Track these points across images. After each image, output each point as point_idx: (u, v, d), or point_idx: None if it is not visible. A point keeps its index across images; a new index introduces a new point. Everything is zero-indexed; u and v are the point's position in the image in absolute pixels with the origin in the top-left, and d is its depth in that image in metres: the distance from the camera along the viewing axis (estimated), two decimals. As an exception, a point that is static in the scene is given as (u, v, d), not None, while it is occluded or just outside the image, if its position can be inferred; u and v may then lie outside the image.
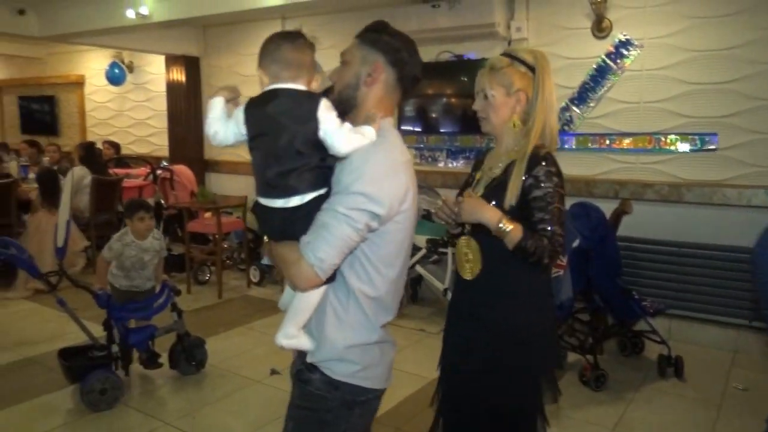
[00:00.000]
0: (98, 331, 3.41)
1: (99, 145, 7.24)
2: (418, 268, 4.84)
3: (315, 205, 1.44)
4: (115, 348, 3.33)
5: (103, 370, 3.24)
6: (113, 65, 7.76)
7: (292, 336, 1.52)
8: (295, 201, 1.43)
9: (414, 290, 5.25)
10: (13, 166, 6.87)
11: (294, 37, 1.50)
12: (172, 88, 7.18)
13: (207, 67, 7.08)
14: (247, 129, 1.47)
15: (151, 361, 3.54)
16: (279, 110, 1.42)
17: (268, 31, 1.62)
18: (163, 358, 3.64)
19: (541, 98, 1.84)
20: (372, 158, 1.44)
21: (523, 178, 1.78)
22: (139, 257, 3.51)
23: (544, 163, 1.78)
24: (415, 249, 4.86)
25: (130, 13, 5.21)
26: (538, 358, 1.88)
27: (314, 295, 1.50)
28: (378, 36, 1.56)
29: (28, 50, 8.92)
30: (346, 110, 1.54)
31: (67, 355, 3.33)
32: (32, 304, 5.07)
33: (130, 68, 7.87)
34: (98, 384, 3.19)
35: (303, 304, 1.51)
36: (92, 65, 8.47)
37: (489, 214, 1.76)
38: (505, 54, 1.91)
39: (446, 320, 2.03)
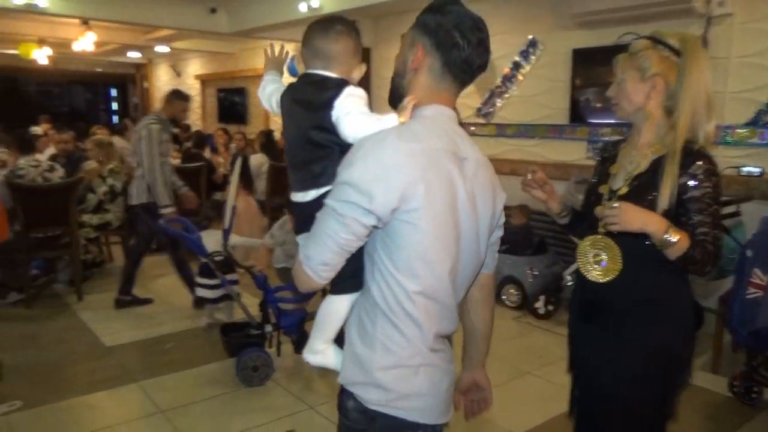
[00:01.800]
0: (256, 311, 3.59)
1: (277, 134, 7.73)
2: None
3: None
4: (268, 328, 3.47)
5: (257, 348, 3.40)
6: (293, 58, 8.21)
7: (317, 351, 1.37)
8: (312, 194, 1.32)
9: (578, 296, 4.83)
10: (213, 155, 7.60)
11: (327, 25, 1.39)
12: (346, 79, 7.42)
13: (378, 58, 7.18)
14: (281, 114, 1.42)
15: (300, 344, 3.64)
16: (298, 97, 1.34)
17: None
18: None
19: (686, 86, 1.59)
20: (371, 145, 1.23)
21: (678, 176, 1.59)
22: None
23: (702, 161, 1.58)
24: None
25: (303, 7, 5.44)
26: (675, 374, 1.72)
27: (342, 306, 1.32)
28: (430, 16, 1.34)
29: (224, 47, 9.84)
30: (398, 100, 1.39)
31: (227, 330, 3.54)
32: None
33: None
34: (251, 361, 3.35)
35: (330, 315, 1.34)
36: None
37: (655, 225, 1.55)
38: (649, 36, 1.68)
39: (571, 323, 1.93)
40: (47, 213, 4.61)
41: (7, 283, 4.75)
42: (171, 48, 10.09)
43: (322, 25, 1.39)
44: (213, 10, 6.43)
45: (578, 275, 1.80)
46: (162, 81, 13.27)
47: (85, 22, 7.34)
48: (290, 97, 1.38)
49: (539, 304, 4.63)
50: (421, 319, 1.28)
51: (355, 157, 1.23)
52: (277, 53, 1.61)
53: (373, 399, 1.30)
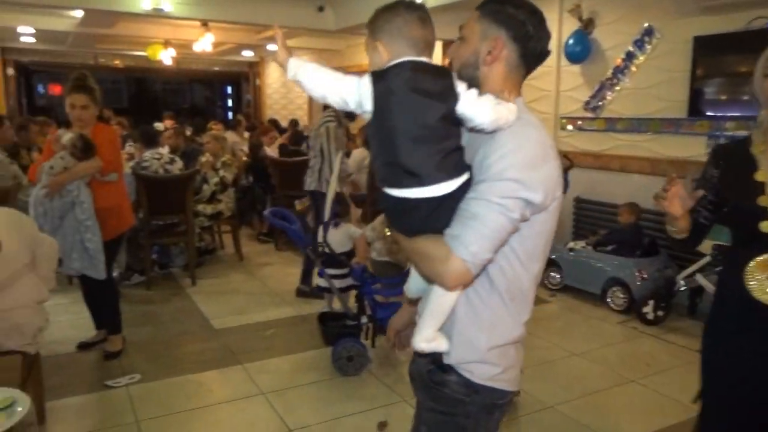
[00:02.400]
0: (353, 302, 3.66)
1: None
2: (700, 278, 4.12)
3: (461, 193, 1.27)
4: (364, 319, 3.53)
5: (352, 339, 3.47)
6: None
7: (431, 339, 1.39)
8: (443, 188, 1.26)
9: (693, 303, 4.49)
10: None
11: (421, 10, 1.35)
12: (447, 73, 7.36)
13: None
14: (374, 106, 1.28)
15: (396, 337, 3.67)
16: (415, 87, 1.24)
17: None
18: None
19: None
20: (523, 141, 1.29)
21: None
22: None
23: None
24: (699, 255, 4.16)
25: (408, 1, 5.45)
26: None
27: (455, 294, 1.34)
28: (500, 7, 1.36)
29: (331, 44, 10.11)
30: None
31: (325, 319, 3.64)
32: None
33: None
34: (346, 351, 3.42)
35: (444, 304, 1.36)
36: (381, 54, 9.20)
37: None
38: None
39: (711, 343, 1.77)
40: (167, 202, 4.98)
41: (131, 266, 5.18)
42: (281, 46, 10.50)
43: (416, 11, 1.34)
44: (321, 9, 6.62)
45: (727, 289, 1.69)
46: (272, 78, 13.87)
47: (205, 24, 7.82)
48: (408, 86, 1.25)
49: (648, 309, 4.36)
50: (530, 298, 1.43)
51: (513, 155, 1.26)
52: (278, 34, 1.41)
53: (481, 374, 1.40)
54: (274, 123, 9.74)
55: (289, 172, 6.25)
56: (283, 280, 5.34)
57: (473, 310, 1.38)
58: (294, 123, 10.15)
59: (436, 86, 1.25)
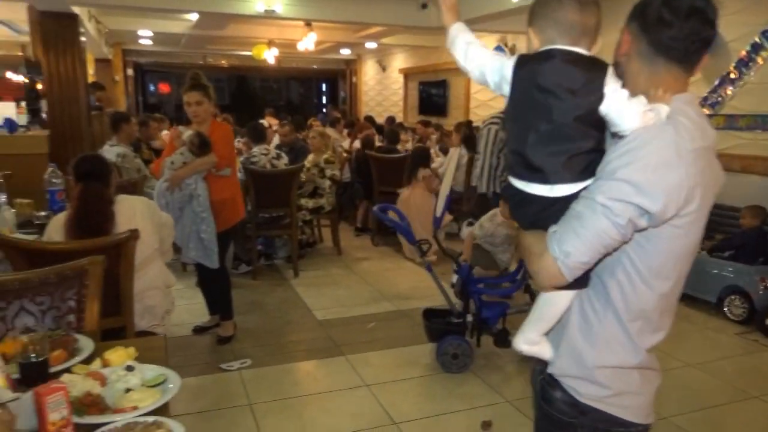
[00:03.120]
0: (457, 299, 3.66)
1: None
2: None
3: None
4: (469, 318, 3.52)
5: (458, 336, 3.46)
6: (497, 48, 8.17)
7: (533, 342, 1.34)
8: (560, 190, 1.19)
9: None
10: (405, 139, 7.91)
11: None
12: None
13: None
14: (512, 92, 1.23)
15: (500, 338, 3.63)
16: (555, 80, 1.16)
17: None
18: (513, 336, 3.70)
19: None
20: (652, 139, 1.14)
21: None
22: (511, 236, 3.63)
23: None
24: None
25: (516, -4, 5.37)
26: None
27: (564, 300, 1.27)
28: None
29: (428, 41, 10.10)
30: None
31: (429, 315, 3.65)
32: (412, 264, 5.79)
33: (512, 51, 8.16)
34: (451, 348, 3.42)
35: (550, 309, 1.30)
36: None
37: None
38: None
39: None
40: (273, 196, 5.18)
41: (239, 256, 5.44)
42: (378, 44, 10.65)
43: None
44: (424, 6, 6.64)
45: None
46: (368, 75, 14.08)
47: (308, 24, 8.06)
48: (548, 77, 1.18)
49: (772, 321, 4.05)
50: (655, 320, 1.28)
51: (634, 153, 1.13)
52: None
53: (588, 393, 1.30)
54: (370, 120, 9.89)
55: (387, 169, 6.32)
56: (381, 275, 5.42)
57: (586, 322, 1.28)
58: (390, 120, 10.26)
59: (579, 81, 1.16)
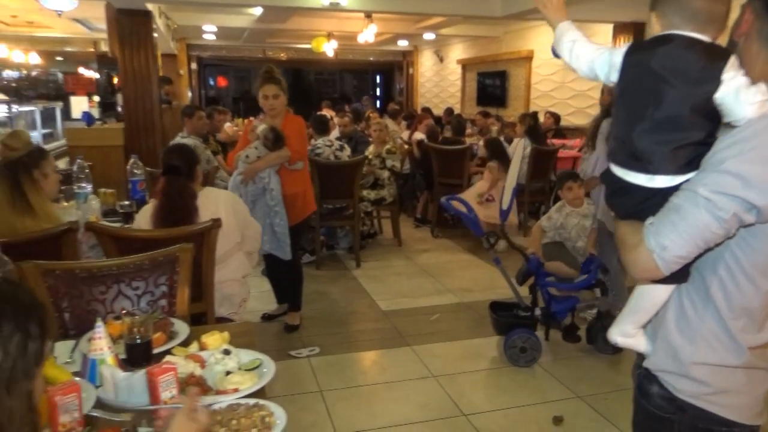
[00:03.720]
0: (524, 292, 3.62)
1: (540, 117, 7.62)
2: None
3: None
4: (537, 311, 3.48)
5: (525, 329, 3.43)
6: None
7: (628, 335, 1.31)
8: (661, 181, 1.15)
9: None
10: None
11: None
12: (617, 57, 6.95)
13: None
14: (620, 78, 1.20)
15: (569, 332, 3.58)
16: (669, 65, 1.12)
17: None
18: (581, 331, 3.64)
19: None
20: (765, 131, 1.07)
21: None
22: (582, 225, 3.56)
23: None
24: None
25: (583, -16, 5.22)
26: None
27: (661, 293, 1.23)
28: None
29: (488, 30, 9.98)
30: None
31: (496, 308, 3.63)
32: (472, 256, 5.77)
33: None
34: (519, 342, 3.40)
35: (647, 301, 1.26)
36: (541, 39, 8.91)
37: None
38: None
39: None
40: (337, 187, 5.25)
41: (302, 246, 5.54)
42: (437, 35, 10.58)
43: None
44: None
45: None
46: (425, 67, 14.02)
47: (369, 16, 8.08)
48: (660, 63, 1.14)
49: None
50: (760, 319, 1.21)
51: (744, 144, 1.08)
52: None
53: (685, 390, 1.26)
54: (428, 111, 9.85)
55: (450, 160, 6.29)
56: (442, 267, 5.42)
57: (684, 317, 1.24)
58: (449, 111, 10.19)
59: (695, 67, 1.11)
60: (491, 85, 10.71)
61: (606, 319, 3.51)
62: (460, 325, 4.14)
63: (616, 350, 3.53)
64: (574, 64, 1.32)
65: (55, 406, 1.20)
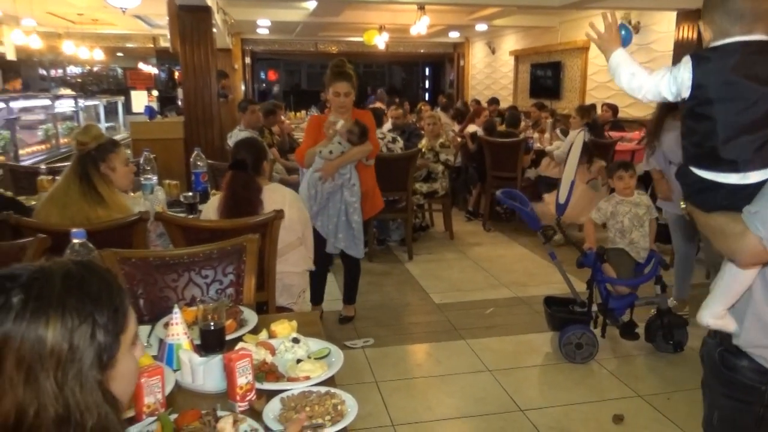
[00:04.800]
0: (581, 287, 3.56)
1: (598, 109, 7.44)
2: None
3: None
4: (594, 307, 3.42)
5: (581, 326, 3.38)
6: (621, 26, 7.73)
7: (719, 316, 1.36)
8: (753, 177, 1.21)
9: None
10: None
11: None
12: (680, 46, 6.72)
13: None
14: (694, 90, 1.24)
15: (627, 329, 3.50)
16: (747, 72, 1.17)
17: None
18: (640, 329, 3.55)
19: None
20: None
21: None
22: (634, 213, 3.47)
23: None
24: None
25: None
26: None
27: (750, 275, 1.28)
28: None
29: (542, 21, 9.79)
30: None
31: (551, 303, 3.59)
32: (525, 250, 5.70)
33: (636, 29, 7.71)
34: (575, 338, 3.35)
35: (737, 283, 1.31)
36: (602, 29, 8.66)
37: None
38: None
39: None
40: (390, 180, 5.25)
41: (356, 239, 5.60)
42: (489, 26, 10.45)
43: None
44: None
45: None
46: (477, 58, 13.87)
47: (422, 8, 8.05)
48: (740, 72, 1.21)
49: None
50: None
51: None
52: (611, 21, 1.50)
53: None
54: (478, 104, 9.75)
55: (503, 154, 6.22)
56: (495, 261, 5.38)
57: None
58: (493, 101, 10.00)
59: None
60: (544, 76, 10.50)
61: (666, 316, 3.42)
62: (514, 319, 4.11)
63: (677, 349, 3.44)
64: (638, 94, 1.41)
65: (141, 387, 1.27)
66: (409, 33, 9.28)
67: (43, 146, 6.46)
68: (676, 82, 1.30)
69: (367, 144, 3.58)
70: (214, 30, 6.23)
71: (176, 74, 6.33)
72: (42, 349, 0.73)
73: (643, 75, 1.39)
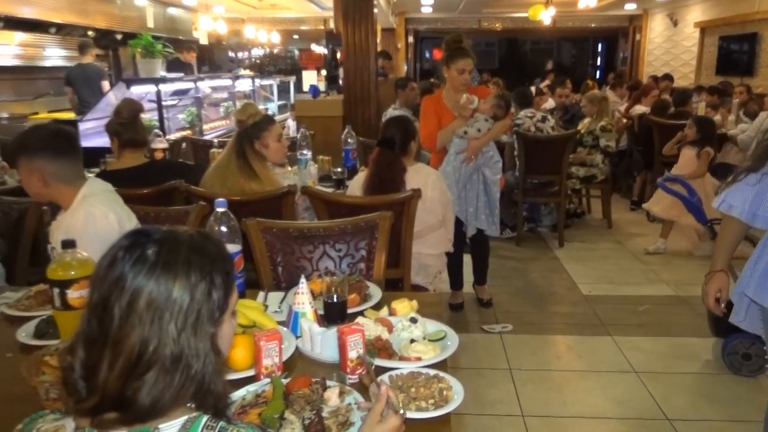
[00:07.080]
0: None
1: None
2: None
3: None
4: (770, 316, 2.99)
5: (750, 334, 2.97)
6: None
7: None
8: None
9: None
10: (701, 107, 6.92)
11: None
12: None
13: None
14: None
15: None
16: None
17: None
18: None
19: None
20: None
21: None
22: None
23: None
24: None
25: None
26: None
27: None
28: None
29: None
30: None
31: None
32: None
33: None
34: (742, 347, 2.97)
35: None
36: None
37: None
38: None
39: None
40: (544, 161, 5.04)
41: (503, 221, 5.46)
42: (673, -5, 9.47)
43: None
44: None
45: None
46: (655, 32, 12.67)
47: (592, -22, 7.52)
48: None
49: None
50: None
51: None
52: None
53: None
54: (656, 80, 8.90)
55: (669, 137, 5.64)
56: (657, 255, 4.93)
57: None
58: (666, 77, 8.99)
59: None
60: (737, 50, 9.28)
61: None
62: (672, 320, 3.75)
63: None
64: None
65: (260, 350, 1.35)
66: (577, 7, 8.72)
67: (223, 122, 7.14)
68: None
69: (507, 119, 3.51)
70: (376, 10, 6.37)
71: (338, 54, 6.58)
72: (169, 297, 0.84)
73: None
